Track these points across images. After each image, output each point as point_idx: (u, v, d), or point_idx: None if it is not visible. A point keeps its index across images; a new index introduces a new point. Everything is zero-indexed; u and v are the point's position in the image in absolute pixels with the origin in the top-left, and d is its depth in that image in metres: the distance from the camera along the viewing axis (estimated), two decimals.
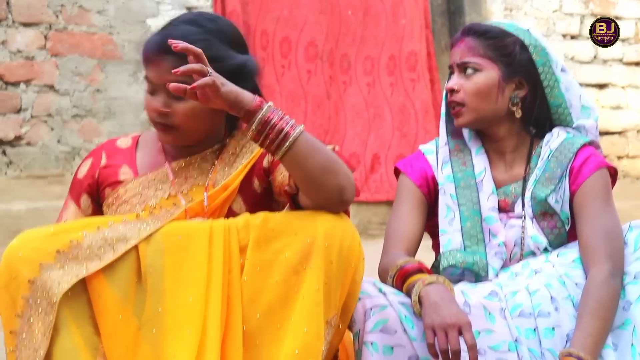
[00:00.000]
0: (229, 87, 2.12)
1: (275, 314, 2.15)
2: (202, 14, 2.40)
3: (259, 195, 2.38)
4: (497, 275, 2.43)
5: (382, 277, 2.40)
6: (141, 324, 2.13)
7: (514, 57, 2.48)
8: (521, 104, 2.50)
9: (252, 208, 2.34)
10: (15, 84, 4.44)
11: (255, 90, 2.31)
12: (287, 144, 2.14)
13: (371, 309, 2.24)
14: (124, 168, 2.42)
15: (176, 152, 2.41)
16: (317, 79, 5.25)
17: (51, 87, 4.51)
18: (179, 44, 2.10)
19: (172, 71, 2.10)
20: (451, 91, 2.50)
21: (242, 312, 2.15)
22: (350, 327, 2.28)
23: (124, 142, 2.47)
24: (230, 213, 2.33)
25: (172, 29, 2.34)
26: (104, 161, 2.44)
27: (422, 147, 2.62)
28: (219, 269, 2.16)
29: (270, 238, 2.17)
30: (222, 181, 2.35)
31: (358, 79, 5.41)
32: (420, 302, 2.24)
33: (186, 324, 2.12)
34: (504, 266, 2.46)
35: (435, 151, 2.58)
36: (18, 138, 4.44)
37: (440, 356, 2.18)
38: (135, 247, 2.16)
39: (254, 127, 2.14)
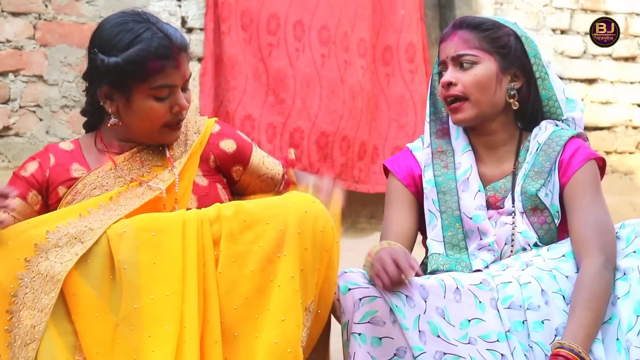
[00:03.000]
0: None
1: (252, 305, 2.16)
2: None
3: (213, 170, 2.45)
4: (487, 266, 2.44)
5: None
6: (118, 321, 2.14)
7: (509, 48, 2.48)
8: (517, 96, 2.50)
9: (211, 180, 2.42)
10: (4, 74, 4.42)
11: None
12: None
13: (360, 299, 2.25)
14: (75, 165, 2.42)
15: (119, 149, 2.44)
16: (330, 63, 5.16)
17: (40, 78, 4.49)
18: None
19: None
20: (448, 85, 2.48)
21: (219, 305, 2.16)
22: (339, 318, 2.30)
23: (66, 146, 2.48)
24: (195, 186, 2.39)
25: (166, 27, 2.38)
26: (52, 161, 2.43)
27: (410, 145, 2.62)
28: (194, 262, 2.17)
29: (243, 229, 2.18)
30: (183, 153, 2.41)
31: (370, 66, 5.34)
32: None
33: (164, 320, 2.12)
34: (495, 261, 2.46)
35: (423, 148, 2.57)
36: (6, 128, 4.42)
37: (383, 288, 2.24)
38: (108, 243, 2.16)
39: None
